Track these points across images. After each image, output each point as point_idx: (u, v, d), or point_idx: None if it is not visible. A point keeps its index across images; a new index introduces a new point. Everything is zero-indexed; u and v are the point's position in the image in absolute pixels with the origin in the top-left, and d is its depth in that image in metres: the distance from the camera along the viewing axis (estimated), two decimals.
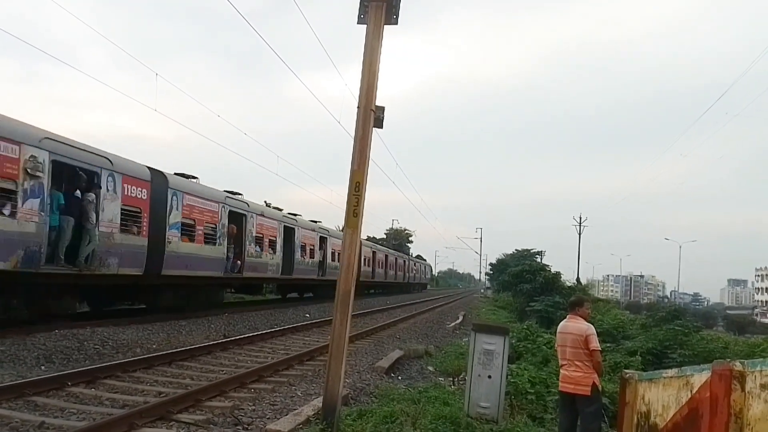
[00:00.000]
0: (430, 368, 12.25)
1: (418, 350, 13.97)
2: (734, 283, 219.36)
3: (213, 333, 14.48)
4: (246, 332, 14.77)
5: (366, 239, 46.56)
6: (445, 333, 20.50)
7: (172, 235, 16.22)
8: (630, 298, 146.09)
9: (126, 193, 14.24)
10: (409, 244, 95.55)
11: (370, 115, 6.56)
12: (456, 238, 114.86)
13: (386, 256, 47.14)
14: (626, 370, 7.48)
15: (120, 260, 14.01)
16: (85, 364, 9.31)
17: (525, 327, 17.97)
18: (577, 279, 56.15)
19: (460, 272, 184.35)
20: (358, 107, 6.59)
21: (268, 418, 6.77)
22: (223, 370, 9.85)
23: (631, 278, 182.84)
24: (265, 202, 25.03)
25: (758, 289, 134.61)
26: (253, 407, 7.34)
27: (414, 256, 78.94)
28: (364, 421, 6.64)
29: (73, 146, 12.78)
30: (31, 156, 11.25)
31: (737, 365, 4.39)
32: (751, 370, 4.27)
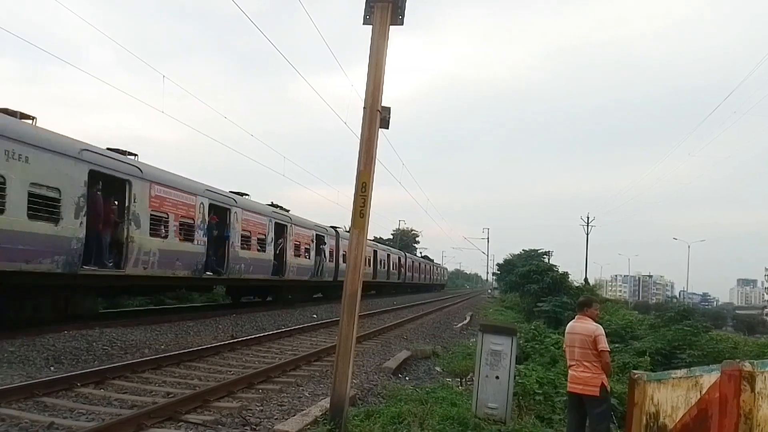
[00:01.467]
0: (438, 369, 12.24)
1: (425, 351, 13.97)
2: (743, 282, 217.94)
3: (221, 333, 14.53)
4: (253, 333, 14.81)
5: (372, 240, 46.69)
6: (453, 333, 20.47)
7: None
8: (638, 298, 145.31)
9: (244, 219, 20.28)
10: (415, 245, 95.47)
11: (376, 116, 6.56)
12: (463, 239, 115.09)
13: (413, 262, 61.21)
14: (635, 371, 7.45)
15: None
16: (94, 364, 9.36)
17: (533, 327, 17.94)
18: (585, 279, 55.97)
19: (467, 272, 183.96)
20: (364, 108, 6.60)
21: (276, 419, 6.78)
22: (230, 371, 9.88)
23: (639, 278, 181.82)
24: (272, 203, 24.94)
25: None
26: (261, 408, 7.36)
27: (421, 256, 79.16)
28: (372, 421, 6.64)
29: (220, 194, 18.94)
30: (201, 203, 17.38)
31: (747, 366, 4.36)
32: (761, 370, 4.24)
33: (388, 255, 45.75)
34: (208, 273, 18.08)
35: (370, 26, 6.65)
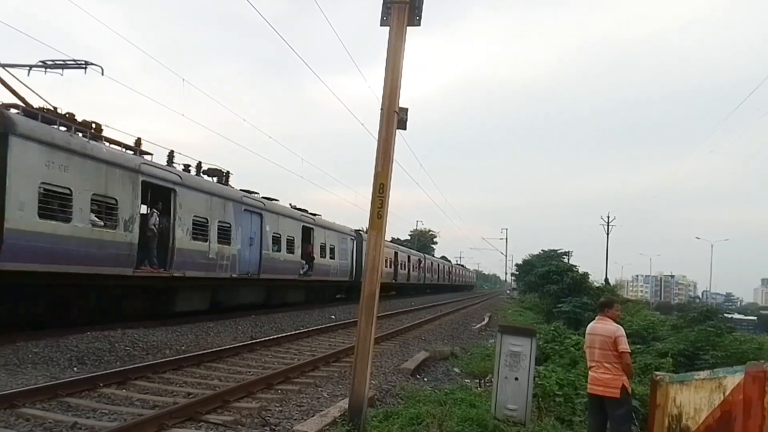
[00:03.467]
0: (456, 370, 12.20)
1: (443, 352, 13.92)
2: None
3: (240, 334, 14.64)
4: (272, 334, 14.90)
5: (390, 241, 46.86)
6: (471, 334, 20.39)
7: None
8: (660, 299, 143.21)
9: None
10: (433, 245, 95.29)
11: (394, 117, 6.56)
12: (481, 239, 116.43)
13: (450, 267, 79.80)
14: (657, 372, 7.37)
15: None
16: (116, 365, 9.48)
17: (552, 328, 17.77)
18: (606, 279, 55.29)
19: (486, 273, 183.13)
20: (381, 109, 6.60)
21: (295, 419, 6.81)
22: (250, 371, 9.94)
23: (661, 278, 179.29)
24: (291, 204, 25.33)
25: None
26: (280, 408, 7.39)
27: (439, 257, 79.42)
28: (391, 422, 6.64)
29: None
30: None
31: None
32: None
33: (439, 264, 68.97)
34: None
35: (387, 27, 6.66)
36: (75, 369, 9.18)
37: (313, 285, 26.71)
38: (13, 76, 12.01)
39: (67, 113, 12.48)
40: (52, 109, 12.25)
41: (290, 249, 22.95)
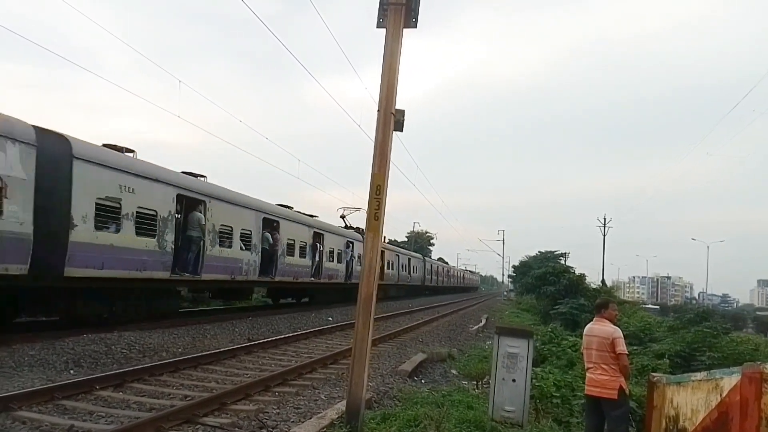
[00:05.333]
0: (454, 372, 12.20)
1: (441, 353, 13.93)
2: (764, 283, 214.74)
3: (237, 336, 14.60)
4: (270, 336, 14.87)
5: (388, 243, 46.86)
6: (468, 336, 20.40)
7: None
8: (657, 300, 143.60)
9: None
10: (430, 247, 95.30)
11: (390, 119, 6.57)
12: (478, 240, 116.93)
13: (458, 272, 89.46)
14: (654, 374, 7.37)
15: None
16: (113, 368, 9.45)
17: (549, 330, 17.80)
18: (602, 281, 55.40)
19: (483, 275, 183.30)
20: (378, 111, 6.60)
21: (293, 422, 6.80)
22: (247, 374, 9.93)
23: (657, 279, 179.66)
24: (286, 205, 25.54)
25: None
26: (278, 410, 7.38)
27: (436, 259, 79.33)
28: (388, 424, 6.64)
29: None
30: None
31: None
32: None
33: (449, 268, 79.65)
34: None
35: (384, 29, 6.66)
36: (71, 371, 9.15)
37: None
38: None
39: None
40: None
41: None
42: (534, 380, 8.58)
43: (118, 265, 12.99)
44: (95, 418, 6.52)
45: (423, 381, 10.88)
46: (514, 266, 79.65)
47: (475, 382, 10.80)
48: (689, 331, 20.37)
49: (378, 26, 6.71)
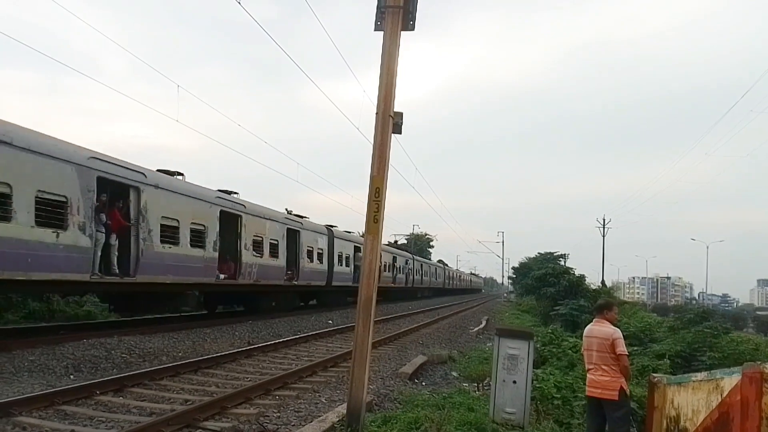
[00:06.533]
0: (454, 374, 12.18)
1: (441, 355, 13.91)
2: (764, 283, 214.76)
3: (237, 340, 14.60)
4: (270, 339, 14.86)
5: (387, 244, 46.84)
6: (469, 338, 20.38)
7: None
8: (657, 300, 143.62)
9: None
10: (430, 249, 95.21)
11: (389, 121, 6.57)
12: (477, 242, 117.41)
13: (466, 276, 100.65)
14: (654, 374, 7.37)
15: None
16: (113, 372, 9.45)
17: (550, 331, 17.76)
18: (602, 282, 55.39)
19: (483, 276, 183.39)
20: (376, 113, 6.61)
21: (293, 425, 6.80)
22: (247, 377, 9.92)
23: (657, 280, 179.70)
24: (286, 209, 25.58)
25: None
26: (278, 414, 7.38)
27: (436, 261, 79.43)
28: (389, 427, 6.63)
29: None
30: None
31: None
32: None
33: (461, 273, 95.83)
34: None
35: (381, 32, 6.67)
36: (71, 377, 9.15)
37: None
38: None
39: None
40: None
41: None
42: (535, 382, 8.57)
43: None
44: (95, 423, 6.52)
45: (424, 383, 10.87)
46: (513, 268, 79.71)
47: (475, 384, 10.78)
48: (690, 331, 20.31)
49: (376, 29, 6.72)
